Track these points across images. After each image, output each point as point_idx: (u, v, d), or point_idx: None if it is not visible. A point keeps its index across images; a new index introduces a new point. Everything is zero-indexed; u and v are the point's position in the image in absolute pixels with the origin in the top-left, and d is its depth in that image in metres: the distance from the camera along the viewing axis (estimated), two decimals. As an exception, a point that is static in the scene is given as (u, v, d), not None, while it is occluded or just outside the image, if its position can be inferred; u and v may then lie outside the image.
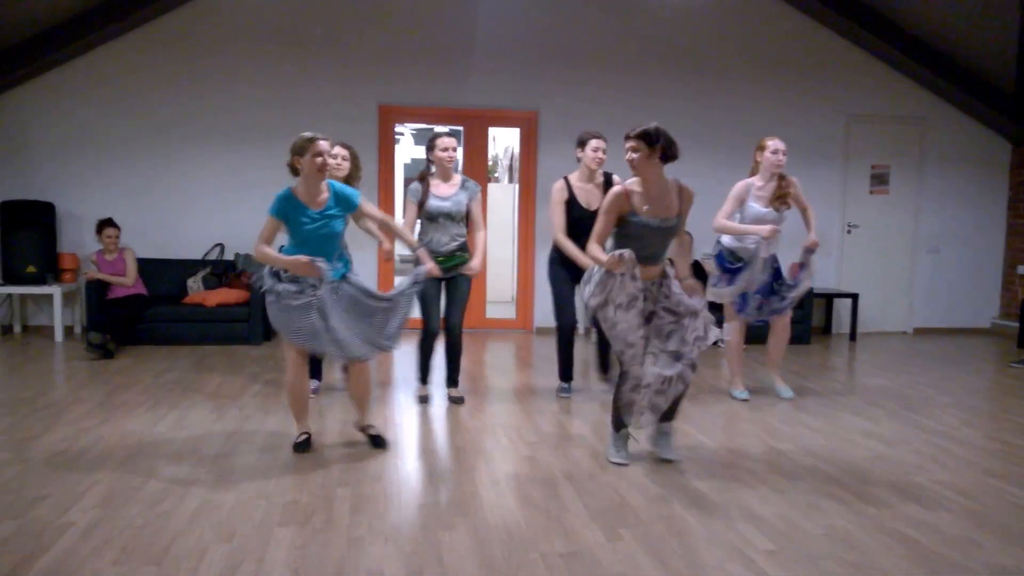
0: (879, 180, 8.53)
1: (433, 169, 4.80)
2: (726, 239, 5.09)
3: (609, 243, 3.77)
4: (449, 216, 4.76)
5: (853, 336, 8.06)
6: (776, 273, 5.11)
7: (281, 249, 3.71)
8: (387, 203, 7.75)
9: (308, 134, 3.66)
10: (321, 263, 3.61)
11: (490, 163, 12.79)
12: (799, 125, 8.08)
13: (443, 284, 4.86)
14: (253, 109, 7.31)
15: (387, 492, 3.39)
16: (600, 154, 4.88)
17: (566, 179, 4.95)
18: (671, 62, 7.91)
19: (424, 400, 4.97)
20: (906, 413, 4.98)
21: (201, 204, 7.37)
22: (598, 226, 3.70)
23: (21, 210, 6.81)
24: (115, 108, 7.17)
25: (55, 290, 6.75)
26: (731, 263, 5.07)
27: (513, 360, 6.69)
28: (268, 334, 6.95)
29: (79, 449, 3.86)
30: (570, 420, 4.67)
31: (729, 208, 5.00)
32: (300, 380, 3.82)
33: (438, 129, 5.26)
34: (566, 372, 5.23)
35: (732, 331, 5.23)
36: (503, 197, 9.26)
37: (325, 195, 3.74)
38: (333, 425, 4.37)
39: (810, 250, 5.10)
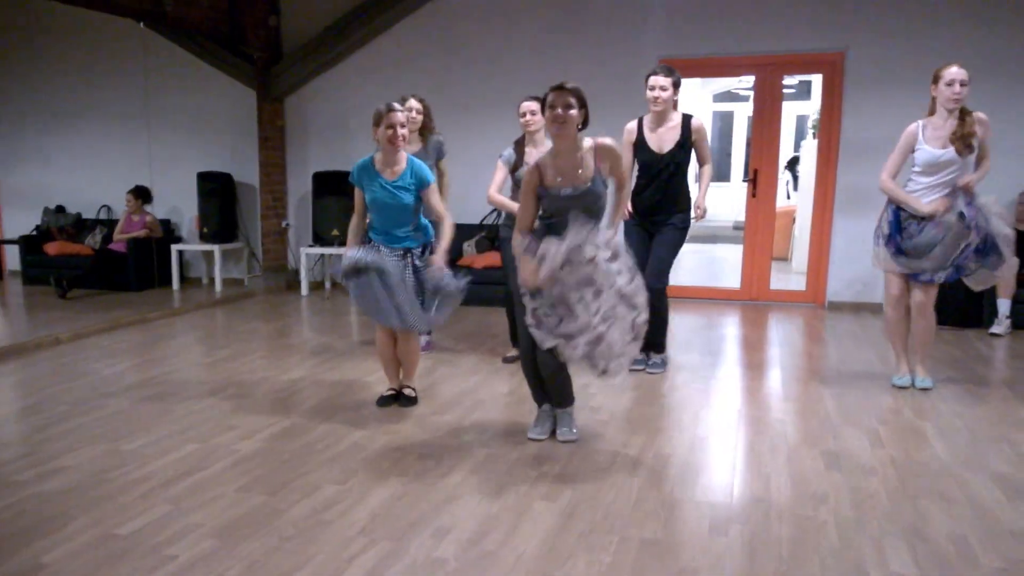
0: None
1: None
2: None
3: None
4: None
5: None
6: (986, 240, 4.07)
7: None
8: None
9: (384, 106, 3.74)
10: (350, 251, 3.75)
11: (813, 118, 11.65)
12: None
13: None
14: (533, 73, 7.22)
15: (516, 455, 3.34)
16: (657, 92, 4.46)
17: (639, 120, 4.64)
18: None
19: (507, 361, 4.98)
20: None
21: (485, 169, 7.74)
22: (521, 212, 3.30)
23: (328, 180, 7.83)
24: (414, 82, 7.69)
25: (353, 252, 7.70)
26: (903, 224, 4.17)
27: (755, 335, 6.08)
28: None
29: (292, 390, 4.39)
30: (775, 402, 4.15)
31: (894, 160, 4.21)
32: (380, 342, 4.04)
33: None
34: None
35: (890, 303, 4.32)
36: (806, 155, 8.41)
37: (401, 166, 3.79)
38: (503, 387, 4.41)
39: (964, 190, 4.04)
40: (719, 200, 14.02)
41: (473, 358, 5.10)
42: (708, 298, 7.47)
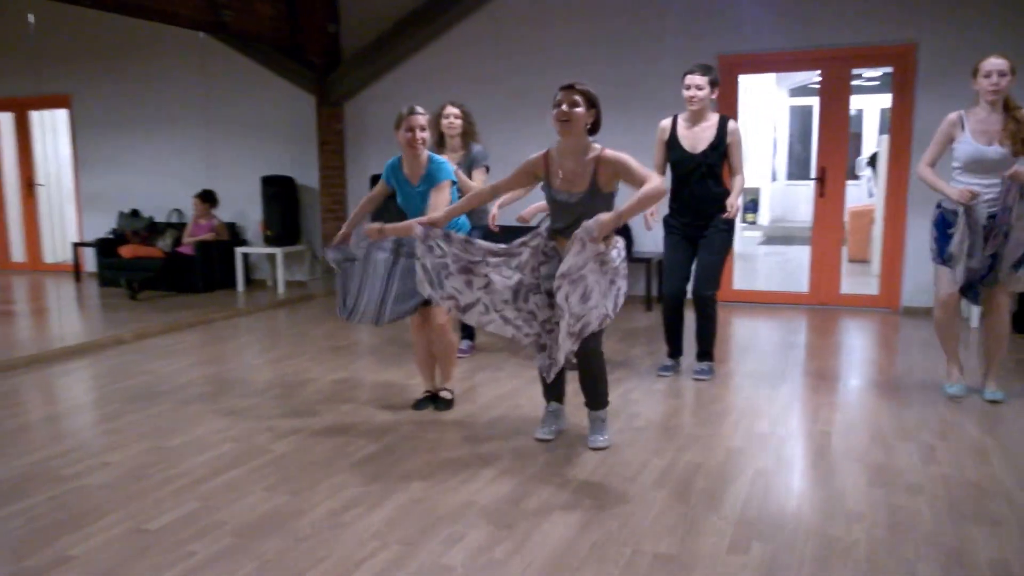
0: None
1: None
2: (944, 200, 4.00)
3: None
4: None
5: None
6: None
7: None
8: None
9: (406, 108, 3.71)
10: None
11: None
12: None
13: None
14: (589, 74, 7.13)
15: (543, 461, 3.30)
16: (693, 91, 4.32)
17: (675, 118, 4.50)
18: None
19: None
20: None
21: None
22: (503, 181, 3.44)
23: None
24: (468, 86, 7.68)
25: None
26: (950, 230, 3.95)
27: (818, 342, 5.85)
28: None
29: (334, 391, 4.44)
30: (825, 413, 3.98)
31: (932, 151, 4.02)
32: (416, 342, 4.08)
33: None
34: (670, 346, 4.74)
35: (939, 304, 4.09)
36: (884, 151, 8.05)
37: (423, 170, 3.74)
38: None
39: (1014, 179, 3.79)
40: (797, 199, 13.56)
41: (516, 362, 5.07)
42: (775, 303, 7.23)
